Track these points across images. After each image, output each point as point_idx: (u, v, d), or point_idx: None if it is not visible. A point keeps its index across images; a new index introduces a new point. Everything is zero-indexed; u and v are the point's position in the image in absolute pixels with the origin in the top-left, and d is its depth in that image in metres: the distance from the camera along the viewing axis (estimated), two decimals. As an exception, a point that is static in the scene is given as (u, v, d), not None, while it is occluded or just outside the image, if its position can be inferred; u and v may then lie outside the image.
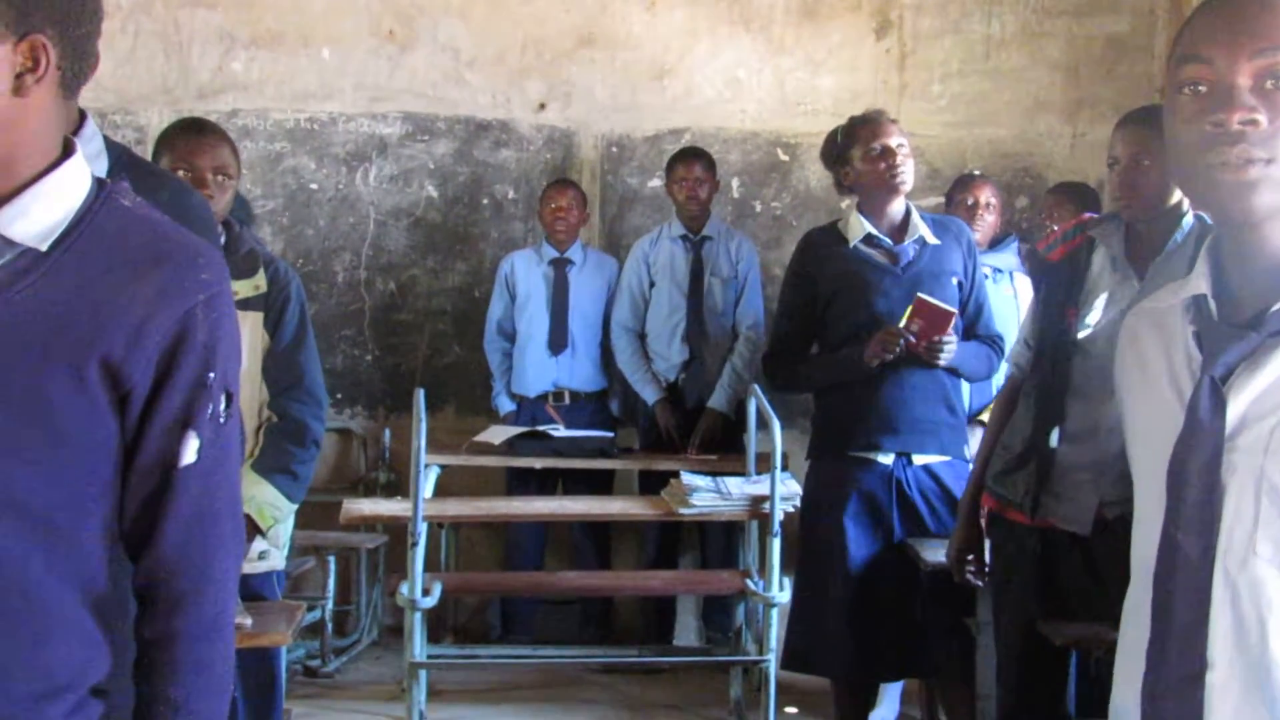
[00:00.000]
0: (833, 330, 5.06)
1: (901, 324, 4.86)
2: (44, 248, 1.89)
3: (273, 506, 4.25)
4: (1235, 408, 1.79)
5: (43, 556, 1.87)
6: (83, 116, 2.72)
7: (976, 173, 6.94)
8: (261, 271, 4.40)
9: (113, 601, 1.97)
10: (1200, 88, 1.84)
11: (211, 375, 1.94)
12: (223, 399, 1.97)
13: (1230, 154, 1.79)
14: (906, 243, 5.04)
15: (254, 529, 4.17)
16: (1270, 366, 1.79)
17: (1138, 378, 2.00)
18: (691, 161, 7.28)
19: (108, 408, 1.89)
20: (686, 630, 7.60)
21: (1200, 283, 1.90)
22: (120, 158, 2.82)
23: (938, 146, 7.62)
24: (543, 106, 7.81)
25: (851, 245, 5.05)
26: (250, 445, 4.29)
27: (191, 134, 4.25)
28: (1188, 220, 4.03)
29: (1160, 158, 3.91)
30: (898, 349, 4.84)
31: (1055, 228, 5.01)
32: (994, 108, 7.80)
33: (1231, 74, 1.81)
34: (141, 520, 1.95)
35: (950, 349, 4.87)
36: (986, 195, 6.57)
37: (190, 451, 1.94)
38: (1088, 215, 4.43)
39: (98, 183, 1.98)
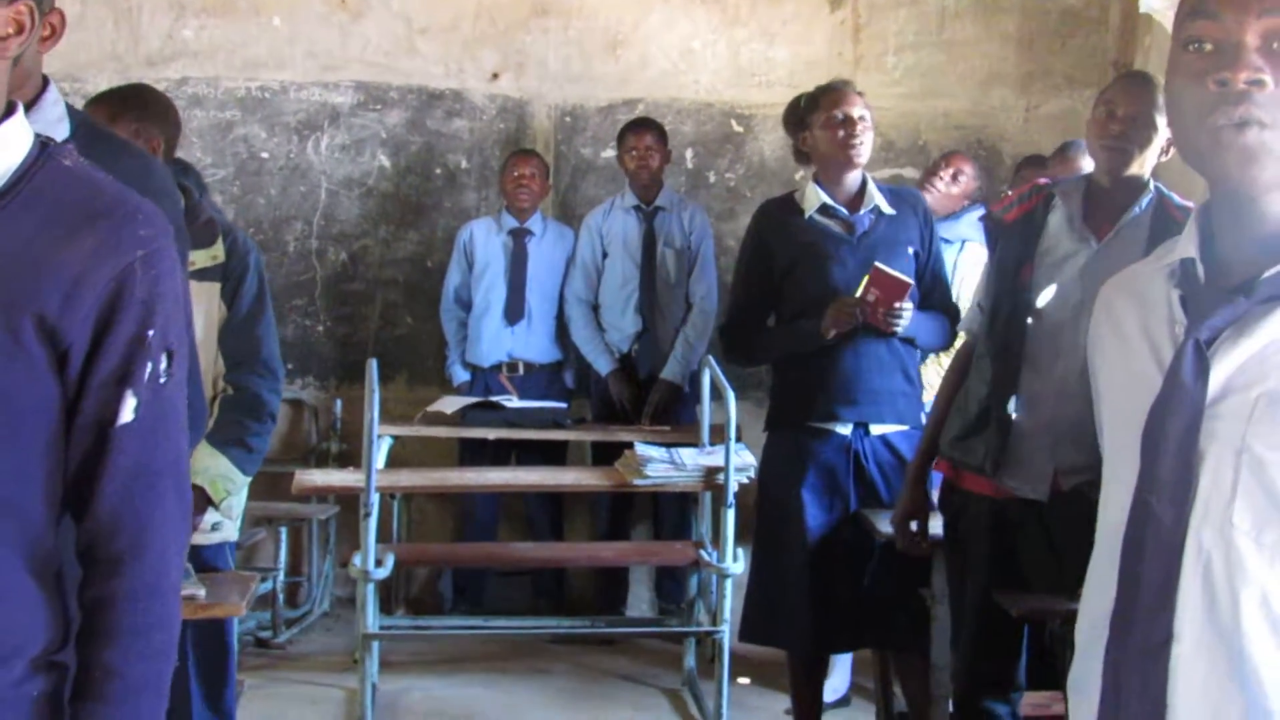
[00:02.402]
0: (789, 301, 5.05)
1: (857, 294, 4.85)
2: None
3: (226, 479, 4.21)
4: (1219, 373, 1.75)
5: None
6: (45, 83, 2.69)
7: (954, 151, 6.95)
8: (220, 241, 4.36)
9: (59, 566, 1.94)
10: (1205, 45, 1.79)
11: (150, 333, 1.90)
12: (164, 358, 1.93)
13: (1233, 115, 1.74)
14: (862, 212, 5.03)
15: (206, 501, 4.14)
16: (1258, 334, 1.75)
17: (1113, 345, 1.97)
18: (642, 131, 7.27)
19: (46, 367, 1.86)
20: (639, 600, 7.61)
21: (1189, 246, 1.87)
22: (81, 125, 2.78)
23: (891, 119, 7.60)
24: (496, 76, 7.76)
25: (807, 216, 5.03)
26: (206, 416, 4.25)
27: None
28: (1150, 189, 4.05)
29: (1153, 120, 3.95)
30: (854, 319, 4.83)
31: (1009, 191, 5.03)
32: (948, 80, 7.80)
33: (1239, 31, 1.77)
34: (80, 480, 1.92)
35: (906, 318, 4.87)
36: (958, 165, 6.58)
37: (128, 410, 1.90)
38: (1042, 179, 4.43)
39: (40, 143, 1.95)
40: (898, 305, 4.83)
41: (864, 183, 5.08)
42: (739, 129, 7.80)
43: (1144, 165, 4.04)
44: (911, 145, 7.68)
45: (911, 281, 4.87)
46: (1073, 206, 4.11)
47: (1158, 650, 1.75)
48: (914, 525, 4.46)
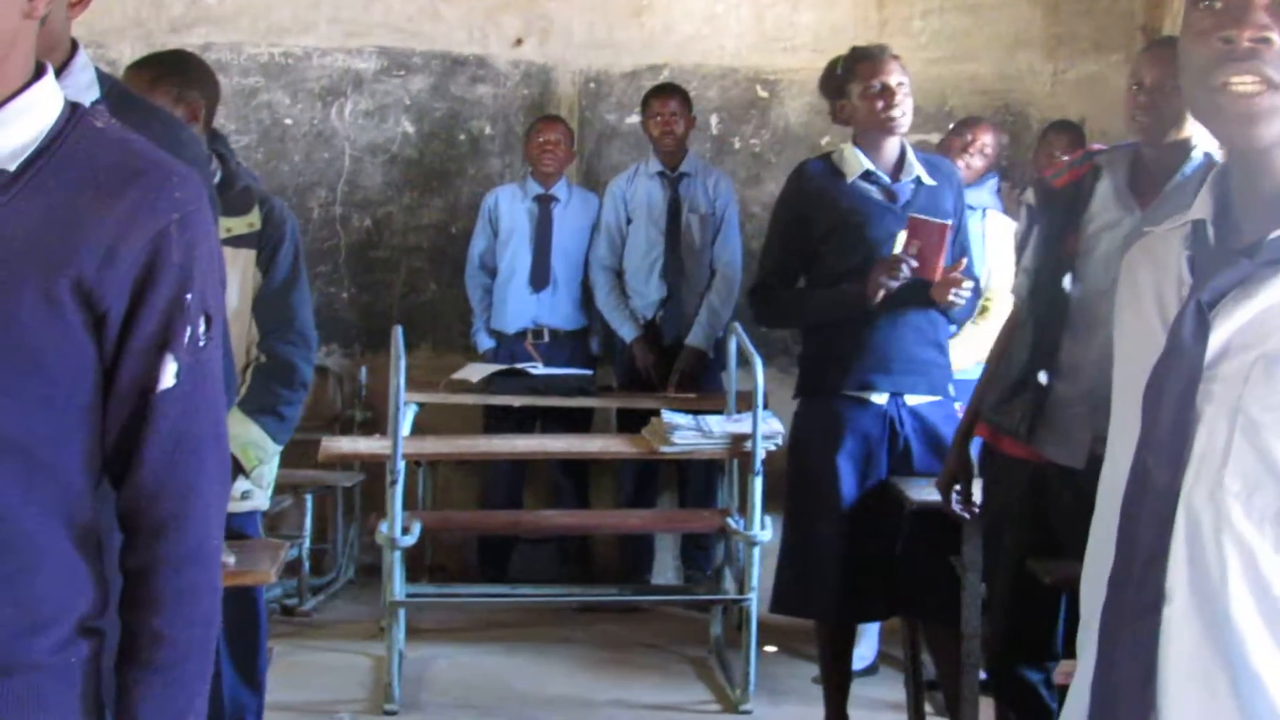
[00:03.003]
0: (828, 266, 4.98)
1: (898, 249, 4.80)
2: (12, 168, 1.83)
3: (258, 447, 4.20)
4: (1219, 335, 1.73)
5: (22, 487, 1.82)
6: (74, 47, 2.67)
7: (977, 119, 6.88)
8: (256, 208, 4.34)
9: (98, 533, 1.92)
10: (1215, 2, 1.76)
11: (188, 296, 1.87)
12: (202, 321, 1.90)
13: (1239, 72, 1.72)
14: (904, 181, 4.98)
15: (238, 469, 4.12)
16: (1260, 296, 1.72)
17: (1129, 309, 1.95)
18: (666, 97, 7.24)
19: (83, 331, 1.83)
20: (664, 568, 7.59)
21: (1201, 208, 1.85)
22: (111, 90, 2.76)
23: (917, 83, 7.32)
24: (519, 42, 7.72)
25: (850, 180, 4.98)
26: (238, 385, 4.23)
27: (126, 71, 4.20)
28: (1197, 154, 4.00)
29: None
30: (900, 276, 4.78)
31: (1065, 157, 4.96)
32: (974, 44, 7.73)
33: None
34: (121, 446, 1.90)
35: (966, 293, 4.85)
36: (983, 140, 6.53)
37: (168, 375, 1.87)
38: (1095, 146, 4.39)
39: (71, 105, 1.92)
40: (955, 277, 4.78)
41: (903, 151, 5.03)
42: (764, 94, 7.75)
43: (1183, 130, 3.98)
44: (938, 110, 7.60)
45: (949, 223, 4.81)
46: (1119, 175, 4.06)
47: (1148, 611, 1.73)
48: (958, 488, 4.43)
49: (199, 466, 1.92)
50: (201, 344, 1.91)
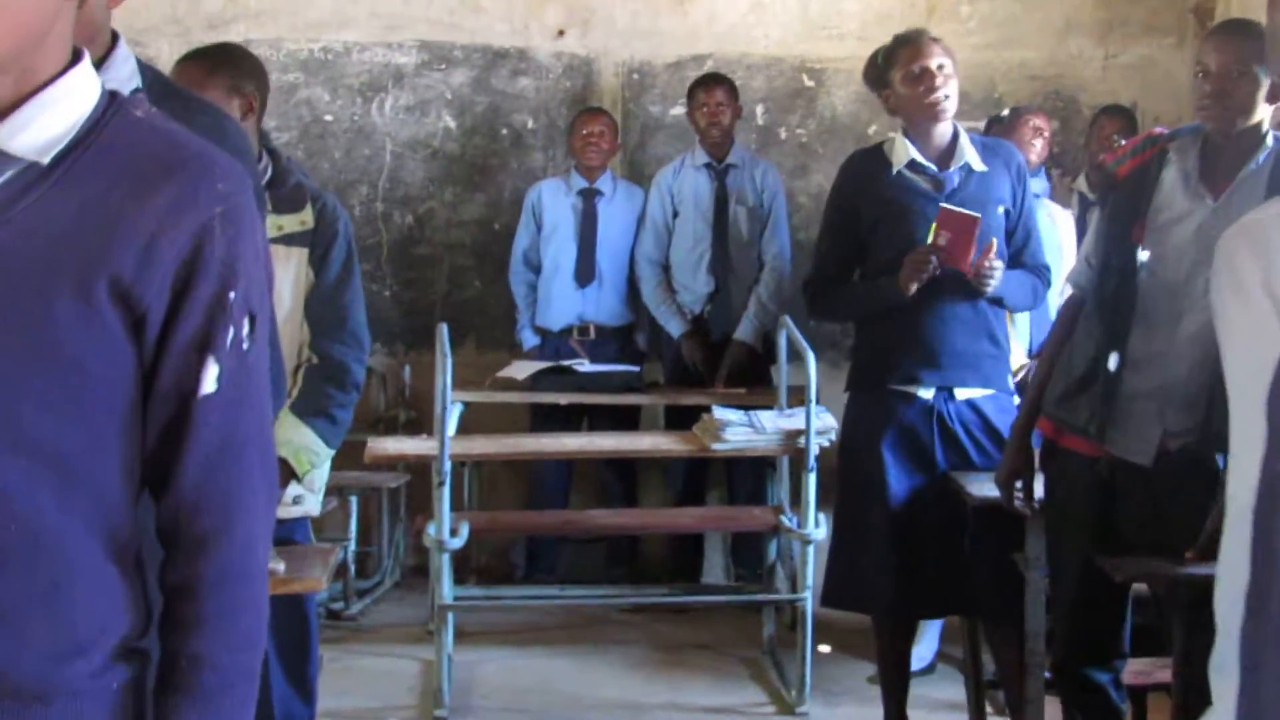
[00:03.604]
0: (875, 258, 4.88)
1: (929, 240, 4.69)
2: (45, 161, 1.72)
3: (310, 451, 4.11)
4: None
5: (57, 500, 1.71)
6: (115, 38, 2.59)
7: (1032, 107, 6.78)
8: (309, 206, 4.26)
9: (138, 547, 1.81)
10: None
11: (232, 295, 1.76)
12: (246, 322, 1.79)
13: None
14: (952, 169, 4.85)
15: (290, 474, 4.04)
16: None
17: (1234, 302, 1.82)
18: (713, 87, 7.13)
19: (122, 333, 1.72)
20: (714, 567, 7.49)
21: None
22: (155, 81, 2.67)
23: (966, 70, 7.23)
24: (561, 33, 7.63)
25: (895, 171, 4.87)
26: (289, 386, 4.14)
27: (178, 63, 4.13)
28: (1269, 141, 3.87)
29: (1253, 70, 3.78)
30: (930, 268, 4.67)
31: (1123, 142, 4.85)
32: (1023, 29, 7.61)
33: None
34: (160, 455, 1.78)
35: (998, 275, 4.72)
36: (1038, 122, 6.43)
37: (210, 379, 1.76)
38: (1158, 130, 4.26)
39: (109, 94, 1.80)
40: (987, 263, 4.67)
41: (955, 136, 4.91)
42: (810, 83, 7.65)
43: (1253, 116, 3.85)
44: (986, 97, 7.48)
45: (978, 216, 4.68)
46: (1188, 162, 3.93)
47: None
48: (1019, 484, 4.31)
49: (243, 476, 1.81)
50: (245, 346, 1.79)
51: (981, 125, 7.06)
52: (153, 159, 1.75)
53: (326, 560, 3.81)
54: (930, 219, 4.75)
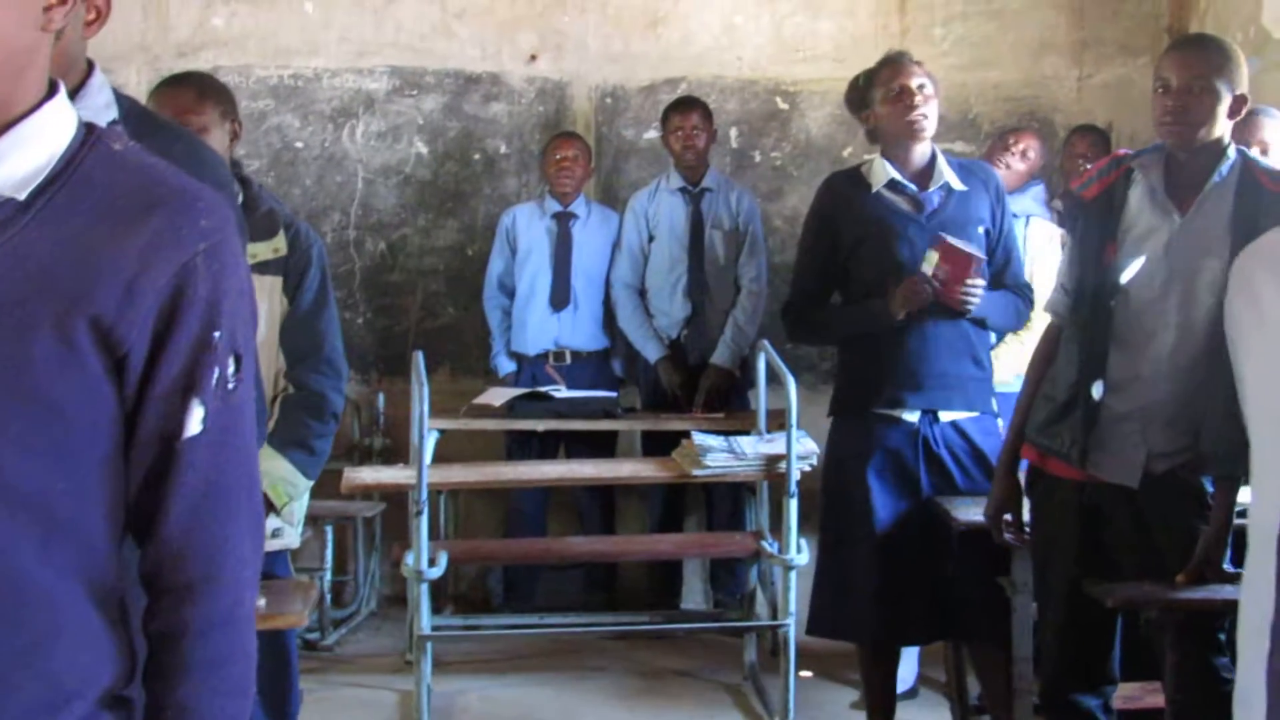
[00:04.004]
0: (855, 280, 4.86)
1: (926, 269, 4.66)
2: (22, 197, 1.67)
3: (288, 483, 4.05)
4: None
5: (39, 548, 1.66)
6: (90, 67, 2.54)
7: (1021, 127, 6.78)
8: (282, 233, 4.20)
9: (122, 594, 1.76)
10: None
11: (216, 335, 1.72)
12: (231, 361, 1.75)
13: None
14: (932, 189, 4.83)
15: (269, 506, 3.97)
16: None
17: (1251, 323, 1.78)
18: (688, 110, 7.09)
19: (103, 375, 1.67)
20: (693, 593, 7.44)
21: None
22: (131, 110, 2.62)
23: (941, 91, 7.40)
24: (534, 58, 7.59)
25: (874, 191, 4.84)
26: (267, 418, 4.08)
27: (160, 88, 4.07)
28: (1231, 153, 3.87)
29: (1213, 85, 3.77)
30: (926, 297, 4.65)
31: (1088, 166, 4.85)
32: (998, 50, 7.59)
33: None
34: (144, 500, 1.74)
35: (978, 295, 4.69)
36: (1026, 143, 6.45)
37: (194, 421, 1.72)
38: (1121, 151, 4.26)
39: (86, 127, 1.76)
40: (969, 282, 4.65)
41: (933, 157, 4.89)
42: (784, 106, 7.62)
43: (1214, 130, 3.85)
44: (962, 119, 7.47)
45: (981, 256, 4.68)
46: (1153, 179, 3.93)
47: None
48: (1008, 517, 4.28)
49: (230, 520, 1.77)
50: (231, 386, 1.75)
51: (956, 147, 7.08)
52: (133, 195, 1.70)
53: (308, 595, 3.75)
54: (913, 240, 4.73)
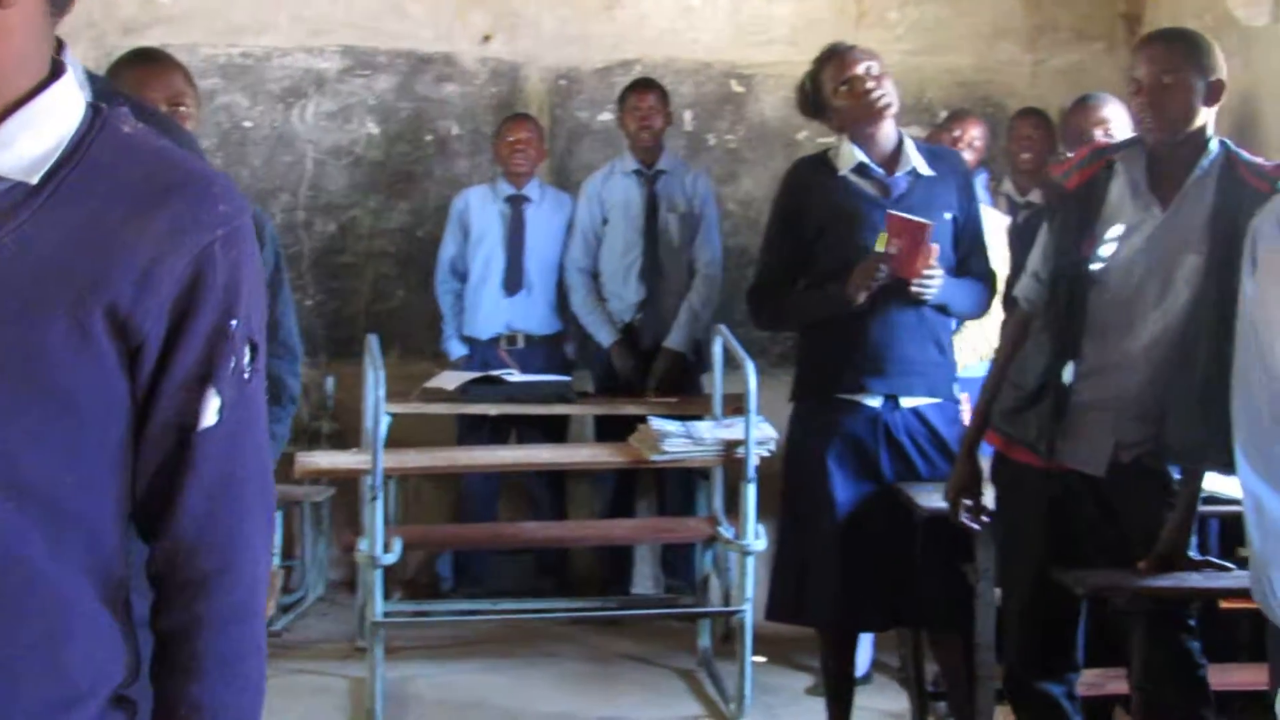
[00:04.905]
0: (821, 265, 4.81)
1: (880, 248, 4.62)
2: (34, 181, 1.61)
3: None
4: None
5: (48, 542, 1.60)
6: (60, 44, 2.46)
7: (962, 111, 6.75)
8: None
9: (127, 591, 1.71)
10: None
11: (234, 323, 1.67)
12: (247, 351, 1.70)
13: None
14: (899, 174, 4.80)
15: None
16: None
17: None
18: (645, 91, 7.05)
19: (117, 365, 1.62)
20: (644, 578, 7.37)
21: None
22: (103, 90, 2.55)
23: (895, 76, 7.26)
24: (487, 39, 7.53)
25: (841, 175, 4.80)
26: None
27: (140, 64, 3.98)
28: (1213, 145, 3.85)
29: (1185, 77, 3.75)
30: (880, 276, 4.61)
31: (1069, 155, 4.82)
32: (953, 35, 7.59)
33: None
34: (156, 494, 1.68)
35: (936, 282, 4.66)
36: (972, 134, 6.43)
37: (211, 412, 1.67)
38: (1103, 141, 4.24)
39: (93, 108, 1.70)
40: (928, 268, 4.61)
41: (900, 142, 4.85)
42: (739, 89, 7.58)
43: (1193, 122, 3.83)
44: (916, 103, 7.43)
45: (930, 223, 4.63)
46: (1136, 172, 3.91)
47: None
48: (967, 500, 4.27)
49: (245, 513, 1.72)
50: (246, 375, 1.71)
51: (911, 132, 7.04)
52: (148, 179, 1.65)
53: (273, 585, 3.69)
54: (878, 224, 4.69)
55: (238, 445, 1.71)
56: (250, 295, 1.70)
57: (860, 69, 4.77)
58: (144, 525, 1.72)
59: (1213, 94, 3.82)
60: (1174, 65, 3.78)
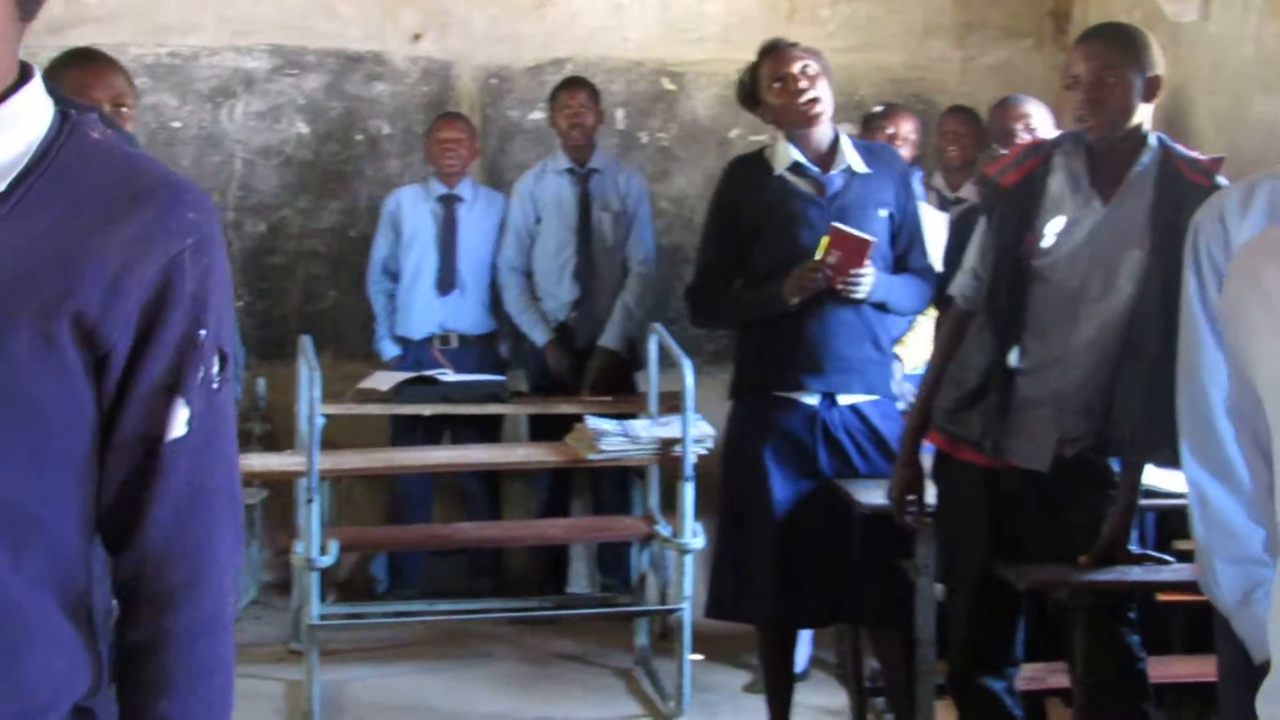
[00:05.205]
0: (758, 263, 4.83)
1: (818, 256, 4.64)
2: (1, 187, 1.59)
3: None
4: None
5: (11, 552, 1.58)
6: None
7: (892, 106, 6.75)
8: None
9: (93, 603, 1.68)
10: None
11: (202, 332, 1.66)
12: (215, 360, 1.69)
13: None
14: (834, 172, 4.81)
15: None
16: None
17: (1263, 318, 1.72)
18: (576, 89, 7.03)
19: (83, 374, 1.60)
20: (579, 577, 7.36)
21: None
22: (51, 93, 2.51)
23: (828, 66, 7.38)
24: (418, 37, 7.48)
25: (777, 174, 4.81)
26: None
27: (82, 64, 3.94)
28: (1151, 140, 3.88)
29: (1123, 74, 3.77)
30: (818, 284, 4.63)
31: (1003, 152, 4.84)
32: (884, 32, 7.59)
33: None
34: (123, 506, 1.66)
35: (866, 283, 4.67)
36: (905, 129, 6.44)
37: (179, 423, 1.65)
38: (1040, 138, 4.25)
39: (61, 114, 1.67)
40: (855, 270, 4.63)
41: (836, 139, 4.86)
42: (671, 87, 7.57)
43: (1133, 118, 3.85)
44: (848, 100, 7.40)
45: (874, 239, 4.65)
46: (1076, 166, 3.92)
47: None
48: (910, 499, 4.27)
49: (213, 526, 1.70)
50: (215, 385, 1.70)
51: (845, 128, 7.06)
52: (117, 186, 1.63)
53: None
54: (815, 222, 4.72)
55: (206, 456, 1.69)
56: (219, 305, 1.69)
57: (795, 67, 4.77)
58: (111, 536, 1.69)
59: (1151, 90, 3.84)
60: (1113, 62, 3.79)
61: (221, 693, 1.73)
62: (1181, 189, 3.76)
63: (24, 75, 1.66)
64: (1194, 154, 3.91)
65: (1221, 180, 3.74)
